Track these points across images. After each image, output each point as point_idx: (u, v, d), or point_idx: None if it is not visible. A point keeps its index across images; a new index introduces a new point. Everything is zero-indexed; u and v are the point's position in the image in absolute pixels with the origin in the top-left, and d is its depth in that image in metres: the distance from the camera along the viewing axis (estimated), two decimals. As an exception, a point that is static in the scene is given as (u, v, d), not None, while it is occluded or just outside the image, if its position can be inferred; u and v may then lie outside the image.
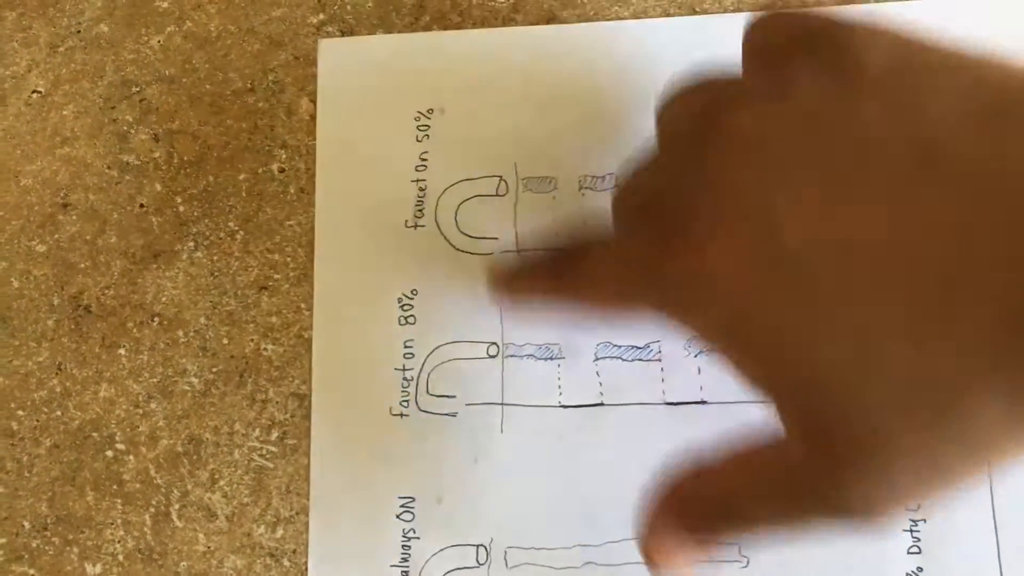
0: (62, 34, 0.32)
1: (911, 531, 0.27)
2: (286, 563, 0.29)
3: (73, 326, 0.31)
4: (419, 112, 0.30)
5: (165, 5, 0.32)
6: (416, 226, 0.30)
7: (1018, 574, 0.26)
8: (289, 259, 0.30)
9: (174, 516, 0.29)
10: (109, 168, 0.32)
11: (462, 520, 0.28)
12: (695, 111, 0.20)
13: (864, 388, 0.16)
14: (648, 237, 0.20)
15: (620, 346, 0.29)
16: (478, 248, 0.30)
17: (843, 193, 0.16)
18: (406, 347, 0.29)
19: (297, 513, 0.29)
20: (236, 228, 0.31)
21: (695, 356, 0.28)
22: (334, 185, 0.30)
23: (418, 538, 0.28)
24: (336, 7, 0.32)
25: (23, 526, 0.30)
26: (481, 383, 0.29)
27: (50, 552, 0.29)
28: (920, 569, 0.27)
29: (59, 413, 0.30)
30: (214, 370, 0.30)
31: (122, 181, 0.31)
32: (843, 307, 0.16)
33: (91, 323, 0.31)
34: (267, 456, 0.29)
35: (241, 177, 0.31)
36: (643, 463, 0.28)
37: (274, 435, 0.29)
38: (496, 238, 0.30)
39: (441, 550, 0.28)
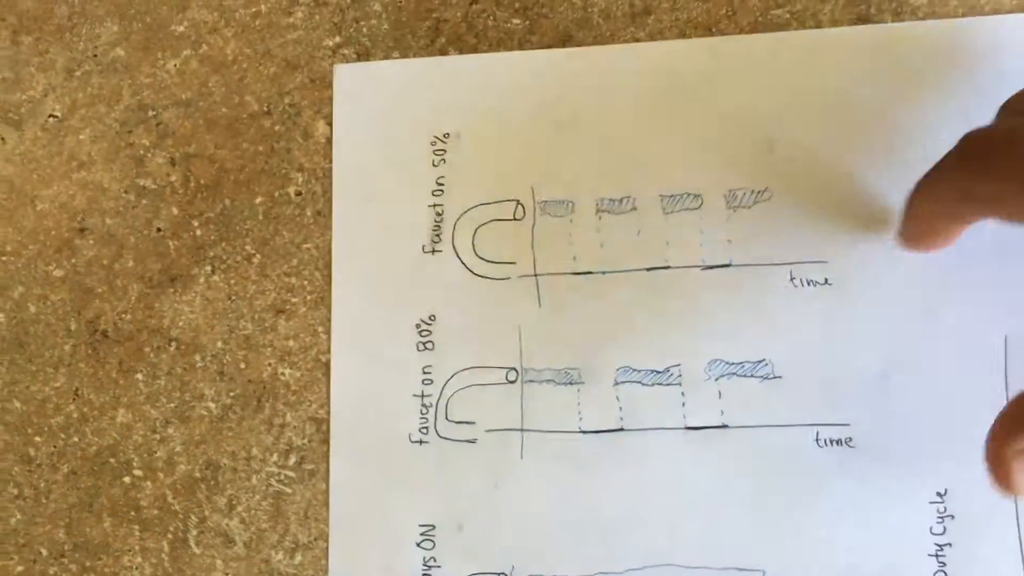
0: (79, 58, 0.32)
1: (937, 504, 0.27)
2: (305, 590, 0.29)
3: (90, 351, 0.31)
4: (435, 136, 0.30)
5: (181, 29, 0.32)
6: (434, 251, 0.30)
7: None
8: (306, 282, 0.30)
9: (192, 542, 0.29)
10: (126, 192, 0.32)
11: (483, 547, 0.28)
12: None
13: None
14: None
15: (640, 370, 0.29)
16: (496, 273, 0.30)
17: None
18: (424, 373, 0.29)
19: (315, 539, 0.29)
20: (253, 252, 0.31)
21: (715, 380, 0.28)
22: (351, 210, 0.30)
23: (439, 566, 0.28)
24: (352, 30, 0.32)
25: (40, 553, 0.30)
26: (500, 409, 0.29)
27: (67, 579, 0.29)
28: (948, 544, 0.27)
29: (76, 439, 0.30)
30: (231, 394, 0.30)
31: (139, 205, 0.31)
32: None
33: (108, 348, 0.31)
34: (285, 481, 0.29)
35: (258, 200, 0.31)
36: (664, 488, 0.28)
37: (292, 460, 0.29)
38: (514, 263, 0.30)
39: None
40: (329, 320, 0.30)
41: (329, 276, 0.30)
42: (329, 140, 0.31)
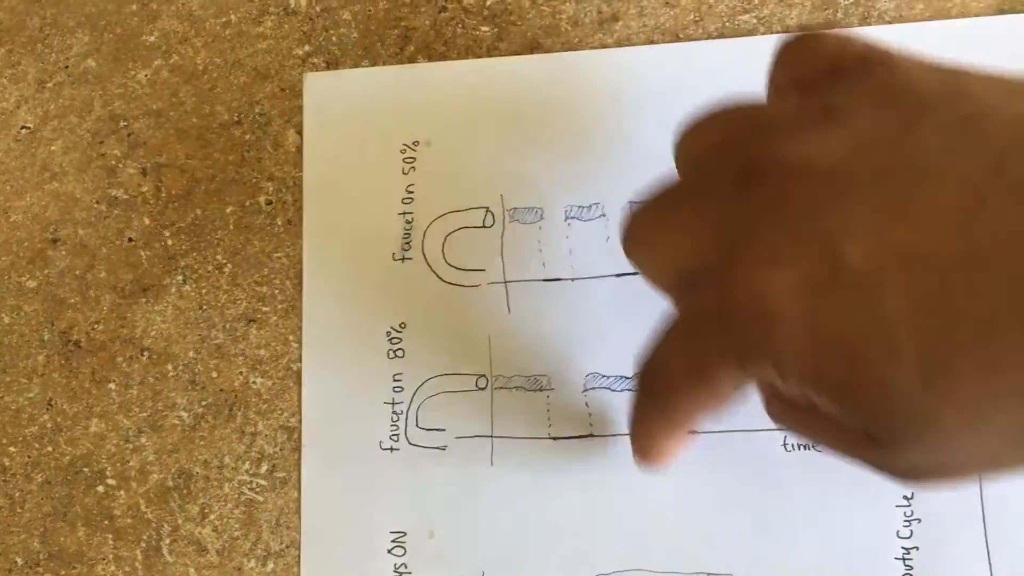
0: (50, 70, 0.33)
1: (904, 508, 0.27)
2: (277, 597, 0.29)
3: (63, 361, 0.31)
4: (405, 144, 0.31)
5: (152, 39, 0.32)
6: (404, 259, 0.30)
7: (1005, 552, 0.27)
8: (277, 291, 0.30)
9: (165, 551, 0.29)
10: (98, 203, 0.32)
11: (454, 554, 0.28)
12: (722, 140, 0.20)
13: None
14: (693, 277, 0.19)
15: (609, 376, 0.29)
16: (466, 280, 0.30)
17: (904, 211, 0.16)
18: (395, 380, 0.29)
19: (287, 547, 0.29)
20: (224, 261, 0.31)
21: None
22: (321, 218, 0.31)
23: (410, 573, 0.28)
24: (321, 39, 0.32)
25: (15, 562, 0.30)
26: (470, 416, 0.29)
27: (42, 588, 0.30)
28: (915, 548, 0.27)
29: (50, 448, 0.30)
30: (203, 403, 0.30)
31: (111, 215, 0.32)
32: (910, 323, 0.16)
33: (81, 358, 0.31)
34: (257, 489, 0.29)
35: (228, 210, 0.31)
36: (633, 494, 0.28)
37: (264, 468, 0.29)
38: (483, 269, 0.30)
39: None
40: (300, 329, 0.30)
41: (300, 285, 0.30)
42: (299, 149, 0.31)
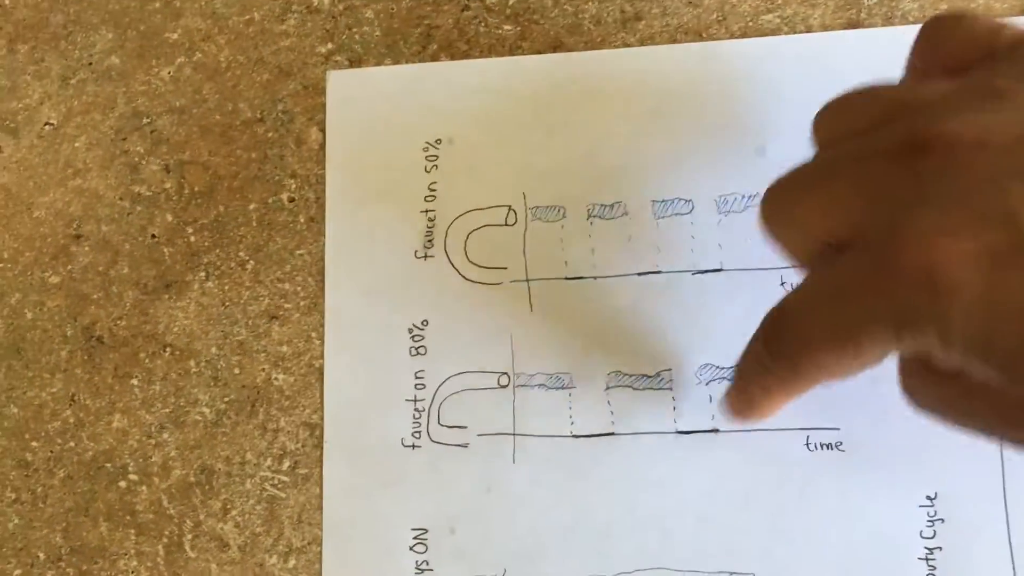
0: (74, 67, 0.33)
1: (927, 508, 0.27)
2: (298, 593, 0.29)
3: (86, 357, 0.31)
4: (427, 142, 0.31)
5: (175, 37, 0.32)
6: (426, 256, 0.30)
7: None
8: (299, 288, 0.31)
9: (187, 546, 0.29)
10: (121, 199, 0.32)
11: (475, 552, 0.28)
12: (874, 116, 0.20)
13: None
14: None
15: (631, 375, 0.29)
16: (488, 278, 0.30)
17: None
18: (417, 378, 0.29)
19: (309, 543, 0.29)
20: (247, 258, 0.31)
21: (706, 384, 0.28)
22: (344, 216, 0.31)
23: (431, 570, 0.28)
24: (344, 37, 0.32)
25: (38, 557, 0.30)
26: (492, 413, 0.29)
27: (64, 583, 0.30)
28: (939, 548, 0.27)
29: (73, 444, 0.30)
30: (226, 400, 0.30)
31: (134, 212, 0.32)
32: None
33: (104, 354, 0.31)
34: (279, 486, 0.29)
35: (251, 207, 0.31)
36: (655, 492, 0.28)
37: (286, 465, 0.30)
38: (505, 268, 0.30)
39: None
40: (322, 326, 0.30)
41: (322, 282, 0.30)
42: (322, 146, 0.31)
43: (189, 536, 0.30)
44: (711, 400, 0.28)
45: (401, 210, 0.30)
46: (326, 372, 0.30)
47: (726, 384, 0.28)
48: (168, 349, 0.31)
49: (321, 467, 0.29)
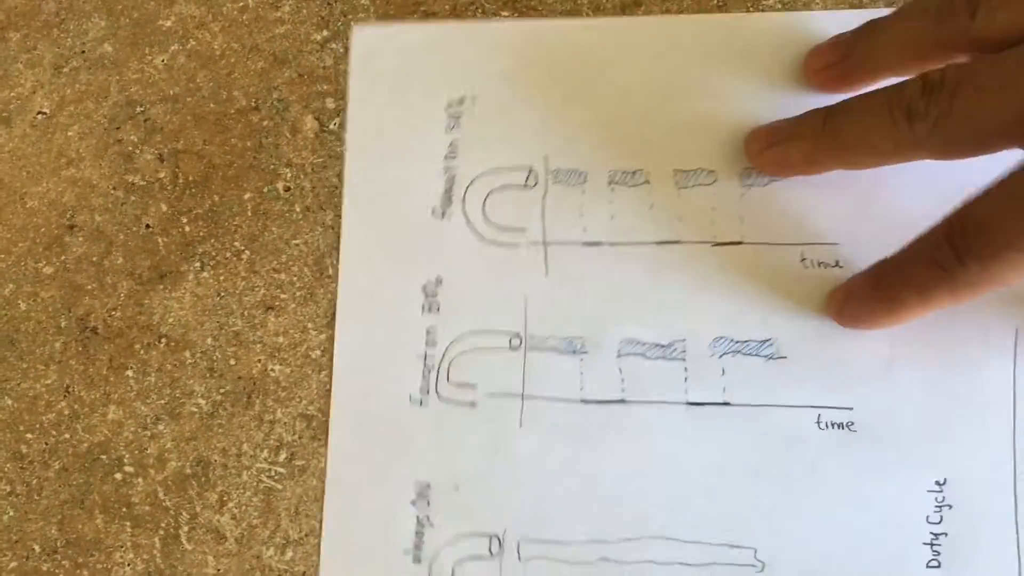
0: (66, 55, 0.32)
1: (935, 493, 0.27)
2: (296, 585, 0.29)
3: (81, 348, 0.31)
4: (450, 100, 0.30)
5: (168, 24, 0.32)
6: (444, 214, 0.30)
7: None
8: (295, 279, 0.30)
9: (183, 539, 0.29)
10: (115, 189, 0.31)
11: (477, 509, 0.28)
12: None
13: None
14: None
15: (644, 343, 0.29)
16: (505, 239, 0.30)
17: None
18: (428, 334, 0.29)
19: (306, 535, 0.29)
20: (242, 248, 0.31)
21: (719, 357, 0.28)
22: (363, 171, 0.30)
23: (432, 526, 0.28)
24: (339, 24, 0.31)
25: (33, 549, 0.30)
26: (502, 374, 0.29)
27: (60, 575, 0.29)
28: (944, 534, 0.27)
29: (68, 436, 0.30)
30: (221, 391, 0.30)
31: (128, 202, 0.31)
32: None
33: (98, 345, 0.31)
34: (275, 477, 0.29)
35: (246, 196, 0.31)
36: (662, 462, 0.28)
37: (282, 456, 0.29)
38: (524, 229, 0.29)
39: (455, 538, 0.28)
40: (318, 316, 0.30)
41: (318, 272, 0.30)
42: (317, 135, 0.31)
43: (185, 528, 0.29)
44: (723, 372, 0.28)
45: (420, 167, 0.30)
46: (337, 325, 0.29)
47: (840, 289, 0.27)
48: (163, 340, 0.30)
49: (318, 459, 0.29)
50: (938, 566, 0.27)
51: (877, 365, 0.28)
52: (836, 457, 0.27)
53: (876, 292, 0.26)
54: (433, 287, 0.30)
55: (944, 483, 0.27)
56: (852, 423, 0.27)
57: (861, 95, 0.25)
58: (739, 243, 0.29)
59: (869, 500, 0.27)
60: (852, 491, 0.27)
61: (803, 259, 0.28)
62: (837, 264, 0.28)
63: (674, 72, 0.30)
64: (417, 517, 0.28)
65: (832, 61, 0.27)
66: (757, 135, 0.28)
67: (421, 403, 0.29)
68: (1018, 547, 0.26)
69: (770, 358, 0.28)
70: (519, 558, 0.28)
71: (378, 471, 0.29)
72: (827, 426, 0.28)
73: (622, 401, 0.28)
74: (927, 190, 0.27)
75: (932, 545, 0.27)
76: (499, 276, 0.29)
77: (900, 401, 0.27)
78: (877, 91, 0.25)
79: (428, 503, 0.28)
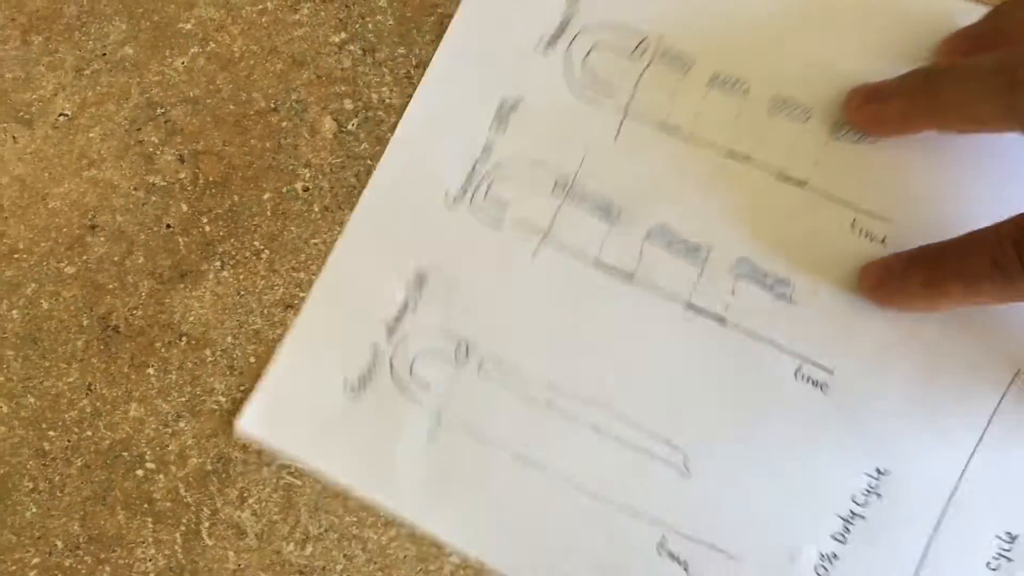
0: (87, 57, 0.33)
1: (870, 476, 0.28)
2: (316, 580, 0.29)
3: (102, 347, 0.31)
4: None
5: (188, 27, 0.33)
6: (547, 48, 0.31)
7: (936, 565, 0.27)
8: (314, 277, 0.31)
9: (204, 534, 0.30)
10: (136, 189, 0.32)
11: (461, 313, 0.30)
12: None
13: None
14: None
15: (674, 234, 0.29)
16: (590, 93, 0.30)
17: None
18: (485, 151, 0.30)
19: (326, 530, 0.29)
20: (261, 247, 0.31)
21: (735, 277, 0.29)
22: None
23: (414, 312, 0.30)
24: (357, 25, 0.32)
25: (56, 545, 0.30)
26: (536, 207, 0.30)
27: (82, 571, 0.30)
28: (861, 517, 0.27)
29: (90, 433, 0.31)
30: (242, 388, 0.30)
31: (148, 202, 0.32)
32: None
33: (120, 343, 0.31)
34: (295, 474, 0.30)
35: (266, 196, 0.31)
36: (640, 344, 0.29)
37: (302, 453, 0.30)
38: (613, 92, 0.30)
39: (428, 329, 0.29)
40: (337, 314, 0.30)
41: (337, 270, 0.30)
42: (336, 135, 0.31)
43: (206, 524, 0.30)
44: (732, 292, 0.29)
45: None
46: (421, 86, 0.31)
47: (880, 267, 0.28)
48: (184, 338, 0.31)
49: (337, 455, 0.29)
50: (842, 541, 0.27)
51: (873, 345, 0.28)
52: (798, 408, 0.28)
53: (920, 276, 0.26)
54: (509, 106, 0.30)
55: (883, 473, 0.27)
56: (827, 385, 0.28)
57: (968, 59, 0.26)
58: (802, 184, 0.29)
59: (808, 458, 0.28)
60: (797, 442, 0.28)
61: (853, 223, 0.29)
62: (883, 241, 0.28)
63: (821, 8, 0.30)
64: (405, 299, 0.30)
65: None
66: (858, 91, 0.28)
67: (454, 201, 0.30)
68: (923, 554, 0.27)
69: (780, 297, 0.29)
70: (478, 371, 0.29)
71: (386, 249, 0.30)
72: (803, 379, 0.28)
73: (630, 277, 0.29)
74: (1001, 199, 0.28)
75: (846, 521, 0.27)
76: (573, 123, 0.30)
77: (880, 386, 0.28)
78: (984, 56, 0.25)
79: (420, 292, 0.30)
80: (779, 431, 0.28)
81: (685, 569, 0.28)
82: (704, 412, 0.28)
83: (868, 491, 0.27)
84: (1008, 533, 0.27)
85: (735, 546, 0.27)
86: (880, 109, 0.27)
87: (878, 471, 0.27)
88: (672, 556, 0.28)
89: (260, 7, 0.32)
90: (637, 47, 0.30)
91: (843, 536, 0.27)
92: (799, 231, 0.29)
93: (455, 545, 0.28)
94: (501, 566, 0.28)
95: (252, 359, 0.30)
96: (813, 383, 0.28)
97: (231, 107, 0.32)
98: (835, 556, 0.27)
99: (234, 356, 0.30)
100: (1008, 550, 0.27)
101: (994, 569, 0.26)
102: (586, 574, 0.28)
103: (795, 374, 0.28)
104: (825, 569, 0.27)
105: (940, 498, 0.27)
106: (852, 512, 0.27)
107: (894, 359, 0.28)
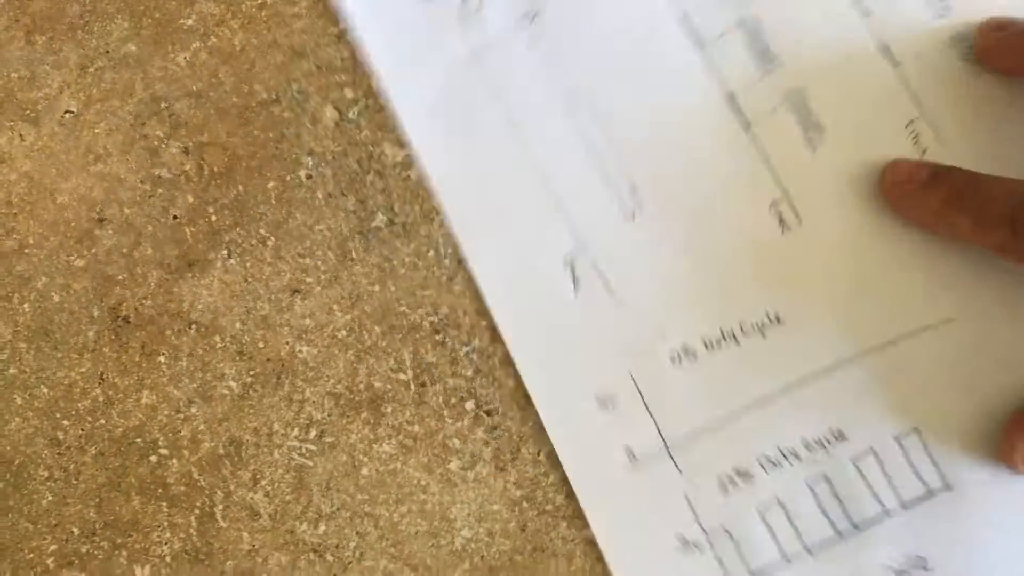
0: (91, 55, 0.33)
1: None
2: (329, 558, 0.29)
3: (113, 336, 0.32)
4: None
5: (190, 22, 0.33)
6: None
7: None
8: (320, 263, 0.31)
9: (218, 516, 0.30)
10: (142, 182, 0.33)
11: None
12: None
13: None
14: None
15: (760, 34, 0.29)
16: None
17: None
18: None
19: (338, 509, 0.30)
20: (267, 235, 0.32)
21: (784, 99, 0.29)
22: None
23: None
24: (355, 17, 0.33)
25: (72, 532, 0.31)
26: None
27: (99, 557, 0.30)
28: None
29: (103, 421, 0.31)
30: (251, 373, 0.31)
31: (155, 194, 0.32)
32: None
33: (130, 333, 0.32)
34: (306, 455, 0.30)
35: (270, 185, 0.32)
36: (658, 107, 0.29)
37: (312, 434, 0.30)
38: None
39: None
40: (343, 298, 0.31)
41: (343, 255, 0.31)
42: (337, 124, 0.32)
43: (220, 507, 0.30)
44: (773, 112, 0.29)
45: None
46: None
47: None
48: (193, 326, 0.31)
49: (347, 435, 0.30)
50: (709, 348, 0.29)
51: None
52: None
53: (942, 193, 0.26)
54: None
55: (840, 435, 0.29)
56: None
57: None
58: (896, 65, 0.29)
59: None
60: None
61: (911, 123, 0.29)
62: (924, 152, 0.28)
63: None
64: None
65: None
66: (989, 23, 0.28)
67: None
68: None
69: (808, 143, 0.29)
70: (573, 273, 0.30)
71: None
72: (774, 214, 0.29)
73: (702, 45, 0.29)
74: None
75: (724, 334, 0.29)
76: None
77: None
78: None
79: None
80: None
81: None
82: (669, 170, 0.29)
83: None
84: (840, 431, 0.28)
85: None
86: (1010, 39, 0.27)
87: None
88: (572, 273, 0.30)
89: (259, 1, 0.33)
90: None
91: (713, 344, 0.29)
92: (862, 99, 0.29)
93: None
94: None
95: (261, 344, 0.31)
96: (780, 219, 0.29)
97: (234, 99, 0.33)
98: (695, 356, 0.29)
99: (243, 342, 0.31)
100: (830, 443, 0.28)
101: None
102: None
103: (769, 208, 0.29)
104: (679, 360, 0.29)
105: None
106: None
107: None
